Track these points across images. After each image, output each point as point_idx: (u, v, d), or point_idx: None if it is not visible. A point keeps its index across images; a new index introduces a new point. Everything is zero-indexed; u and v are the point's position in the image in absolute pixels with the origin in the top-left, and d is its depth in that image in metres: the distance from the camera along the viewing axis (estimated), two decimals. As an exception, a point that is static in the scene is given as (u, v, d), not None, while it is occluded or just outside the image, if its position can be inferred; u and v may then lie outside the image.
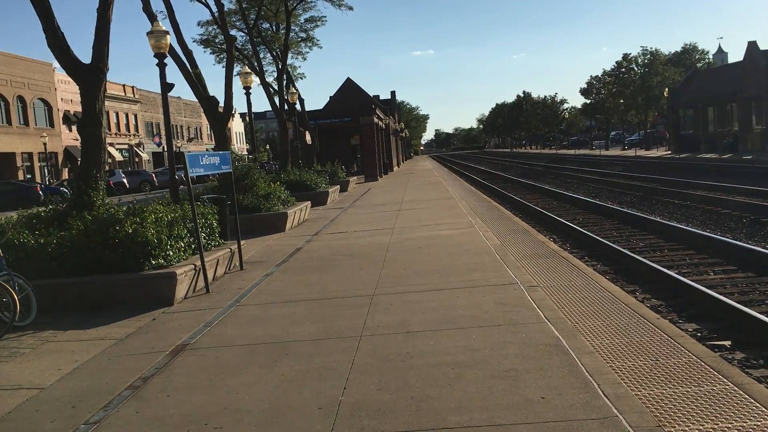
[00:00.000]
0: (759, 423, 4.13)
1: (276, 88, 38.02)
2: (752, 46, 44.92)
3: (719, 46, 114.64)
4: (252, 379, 5.77)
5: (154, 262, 9.40)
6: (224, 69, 23.08)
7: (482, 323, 6.85)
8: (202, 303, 9.19)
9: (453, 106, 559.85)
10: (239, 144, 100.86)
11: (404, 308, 7.78)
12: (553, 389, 4.93)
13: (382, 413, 4.76)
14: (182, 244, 10.33)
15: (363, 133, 47.15)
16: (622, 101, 76.95)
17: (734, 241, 12.35)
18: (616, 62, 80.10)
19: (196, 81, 21.17)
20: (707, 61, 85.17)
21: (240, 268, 11.72)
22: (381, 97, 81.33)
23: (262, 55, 38.69)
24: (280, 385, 5.57)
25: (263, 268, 11.61)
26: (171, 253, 9.81)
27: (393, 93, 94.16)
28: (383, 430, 4.49)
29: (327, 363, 6.01)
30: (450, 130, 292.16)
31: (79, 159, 11.68)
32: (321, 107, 57.38)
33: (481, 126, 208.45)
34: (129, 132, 72.58)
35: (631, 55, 78.50)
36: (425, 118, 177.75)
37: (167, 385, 5.83)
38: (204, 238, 11.07)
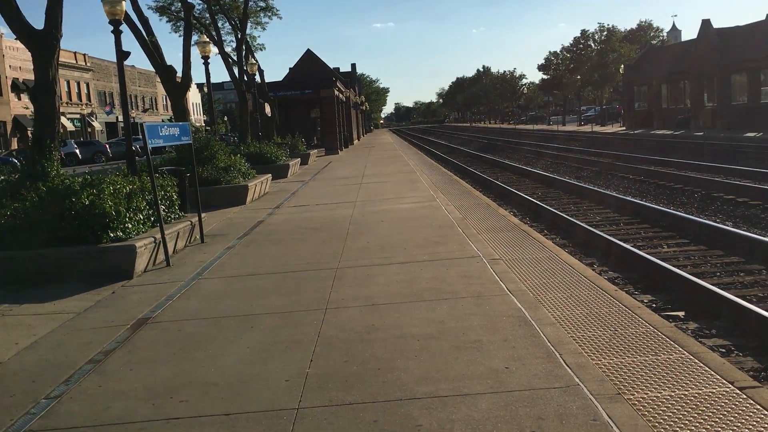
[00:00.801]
0: (714, 390, 4.28)
1: (235, 58, 37.35)
2: (706, 24, 45.69)
3: (673, 24, 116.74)
4: (217, 352, 5.74)
5: (112, 234, 9.23)
6: (181, 38, 22.60)
7: (446, 296, 6.93)
8: (163, 276, 9.08)
9: (413, 80, 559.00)
10: (196, 115, 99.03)
11: (369, 281, 7.82)
12: (517, 359, 5.03)
13: (350, 384, 4.80)
14: (141, 217, 10.15)
15: (324, 106, 46.85)
16: (579, 77, 77.77)
17: (687, 215, 12.68)
18: (574, 38, 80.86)
19: (152, 50, 20.64)
20: (661, 38, 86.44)
21: (201, 241, 11.59)
22: (341, 70, 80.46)
23: (220, 24, 37.92)
24: (246, 357, 5.56)
25: (225, 241, 11.51)
26: (130, 226, 9.64)
27: (353, 66, 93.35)
28: (351, 401, 4.53)
29: (293, 336, 6.01)
30: (410, 104, 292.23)
31: (30, 129, 11.34)
32: (281, 79, 56.57)
33: (440, 100, 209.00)
34: (81, 101, 70.58)
35: (588, 32, 79.29)
36: (386, 91, 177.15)
37: (129, 359, 5.76)
38: (164, 210, 10.90)
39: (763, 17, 42.23)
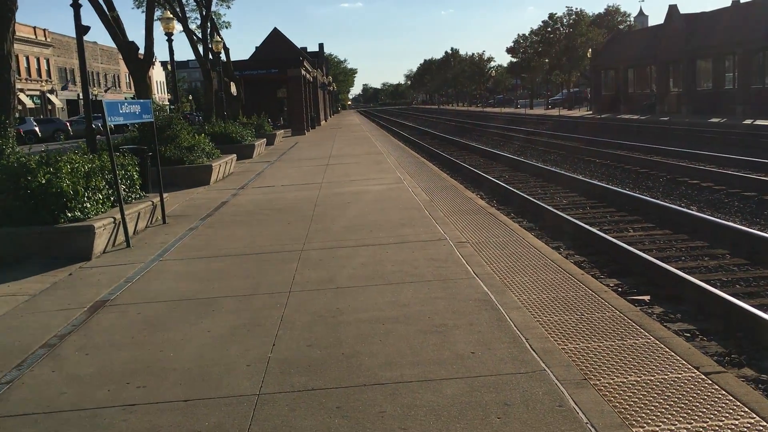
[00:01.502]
0: (680, 375, 4.27)
1: (200, 35, 36.63)
2: (673, 9, 46.14)
3: (640, 9, 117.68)
4: (177, 336, 5.58)
5: (69, 214, 8.95)
6: (144, 13, 22.02)
7: (412, 279, 6.84)
8: (123, 258, 8.84)
9: (381, 61, 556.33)
10: (160, 93, 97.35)
11: (334, 263, 7.69)
12: (483, 344, 4.97)
13: (313, 370, 4.69)
14: (100, 196, 9.87)
15: (290, 86, 46.32)
16: (547, 61, 78.12)
17: (652, 199, 12.78)
18: (542, 22, 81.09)
19: (114, 25, 20.09)
20: (629, 23, 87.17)
21: (163, 222, 11.33)
22: (308, 50, 79.57)
23: (185, 1, 37.06)
24: (207, 342, 5.40)
25: (187, 222, 11.27)
26: (88, 206, 9.36)
27: (321, 46, 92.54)
28: (314, 386, 4.42)
29: (255, 319, 5.87)
30: (378, 86, 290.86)
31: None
32: (247, 58, 55.71)
33: (409, 82, 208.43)
34: (41, 78, 68.76)
35: (556, 15, 79.56)
36: (353, 72, 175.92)
37: (86, 343, 5.57)
38: (124, 190, 10.62)
39: (729, 3, 42.69)
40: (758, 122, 30.18)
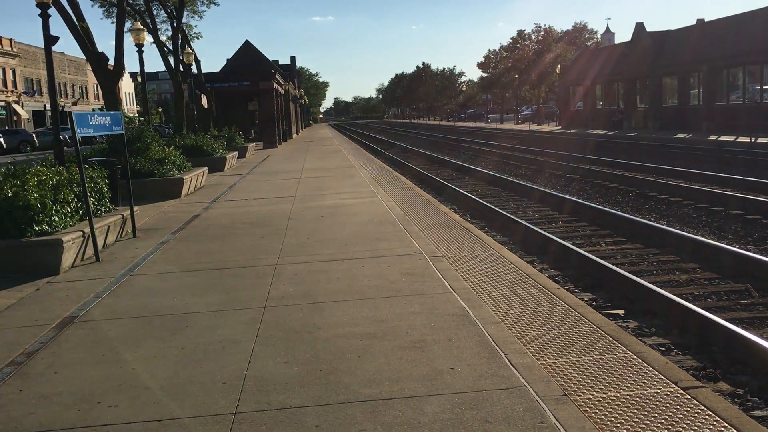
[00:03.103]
0: (659, 390, 4.27)
1: (170, 47, 36.35)
2: (639, 27, 47.03)
3: (607, 26, 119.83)
4: (149, 354, 5.45)
5: (37, 228, 8.74)
6: (114, 24, 21.78)
7: (389, 293, 6.79)
8: (92, 272, 8.65)
9: (353, 75, 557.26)
10: (129, 105, 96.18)
11: (309, 278, 7.61)
12: (462, 360, 4.93)
13: (290, 387, 4.60)
14: (69, 210, 9.66)
15: (262, 99, 46.10)
16: (516, 76, 79.02)
17: (623, 214, 12.92)
18: (512, 38, 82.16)
19: (83, 35, 19.83)
20: (596, 40, 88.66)
21: (133, 236, 11.13)
22: (280, 63, 79.46)
23: (155, 12, 36.77)
24: (181, 359, 5.29)
25: (158, 236, 11.09)
26: (56, 219, 9.16)
27: (293, 59, 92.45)
28: (292, 404, 4.34)
29: (230, 335, 5.77)
30: (350, 99, 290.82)
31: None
32: (218, 70, 55.39)
33: (380, 96, 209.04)
34: (6, 88, 67.52)
35: (525, 32, 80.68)
36: (325, 85, 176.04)
37: (54, 361, 5.41)
38: (93, 203, 10.42)
39: (694, 21, 43.66)
40: (722, 138, 30.81)
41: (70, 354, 5.57)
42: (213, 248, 9.83)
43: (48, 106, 66.85)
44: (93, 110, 71.95)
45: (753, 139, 27.99)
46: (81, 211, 9.93)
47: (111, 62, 21.45)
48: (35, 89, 73.06)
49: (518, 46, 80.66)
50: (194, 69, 37.59)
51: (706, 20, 42.78)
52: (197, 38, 42.86)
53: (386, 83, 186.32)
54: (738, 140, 28.96)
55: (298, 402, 4.37)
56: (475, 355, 5.01)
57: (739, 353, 5.83)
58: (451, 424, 3.95)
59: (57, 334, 6.09)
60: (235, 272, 8.17)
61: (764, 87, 35.25)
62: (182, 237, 10.97)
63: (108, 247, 10.24)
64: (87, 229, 9.32)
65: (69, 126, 9.23)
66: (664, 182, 17.41)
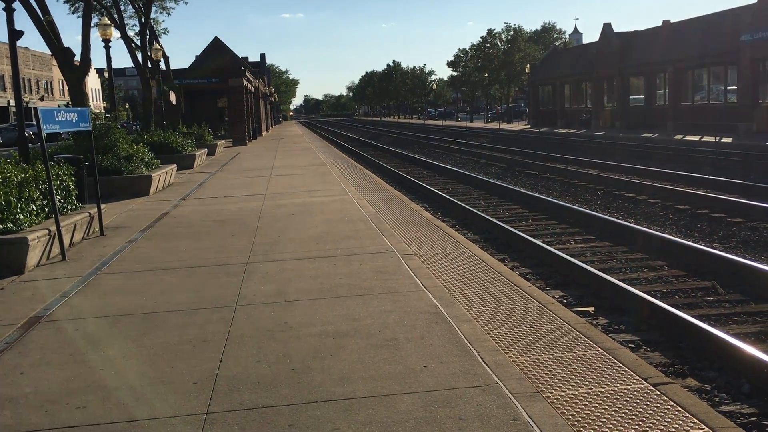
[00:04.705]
0: (629, 387, 4.33)
1: (138, 43, 35.84)
2: (607, 27, 47.61)
3: (575, 27, 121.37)
4: (118, 354, 5.36)
5: (1, 226, 8.55)
6: (80, 19, 21.40)
7: (361, 292, 6.78)
8: (58, 271, 8.49)
9: (323, 72, 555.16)
10: (96, 101, 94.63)
11: (281, 277, 7.56)
12: (435, 358, 4.94)
13: (262, 386, 4.57)
14: (34, 207, 9.47)
15: (232, 96, 45.72)
16: (486, 75, 79.50)
17: (592, 212, 13.08)
18: (482, 37, 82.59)
19: (48, 30, 19.44)
20: (564, 40, 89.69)
21: (100, 234, 10.96)
22: (250, 59, 78.73)
23: (123, 8, 36.22)
24: (150, 359, 5.21)
25: (126, 234, 10.93)
26: (21, 217, 8.97)
27: (263, 56, 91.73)
28: (264, 404, 4.30)
29: (201, 334, 5.70)
30: (320, 97, 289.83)
31: None
32: (187, 66, 54.74)
33: (350, 93, 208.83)
34: (-32, 83, 65.98)
35: (495, 31, 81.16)
36: (295, 83, 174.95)
37: (20, 362, 5.30)
38: (59, 200, 10.22)
39: (660, 23, 44.33)
40: (688, 137, 31.35)
41: (37, 354, 5.46)
42: (182, 246, 9.72)
43: (12, 102, 65.47)
44: (59, 106, 70.60)
45: (717, 139, 28.54)
46: (47, 209, 9.74)
47: (77, 58, 21.04)
48: (-2, 84, 71.41)
49: (488, 45, 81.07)
50: (162, 65, 37.15)
51: (672, 21, 43.47)
52: (164, 33, 42.34)
53: (357, 81, 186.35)
54: (703, 140, 29.49)
55: (270, 401, 4.33)
56: (448, 353, 5.02)
57: (707, 349, 5.93)
58: (424, 422, 3.95)
59: (22, 335, 5.97)
60: (205, 271, 8.08)
61: (728, 88, 35.94)
62: (151, 235, 10.82)
63: (75, 246, 10.06)
64: (53, 228, 9.14)
65: (34, 122, 9.03)
66: (631, 181, 17.65)
